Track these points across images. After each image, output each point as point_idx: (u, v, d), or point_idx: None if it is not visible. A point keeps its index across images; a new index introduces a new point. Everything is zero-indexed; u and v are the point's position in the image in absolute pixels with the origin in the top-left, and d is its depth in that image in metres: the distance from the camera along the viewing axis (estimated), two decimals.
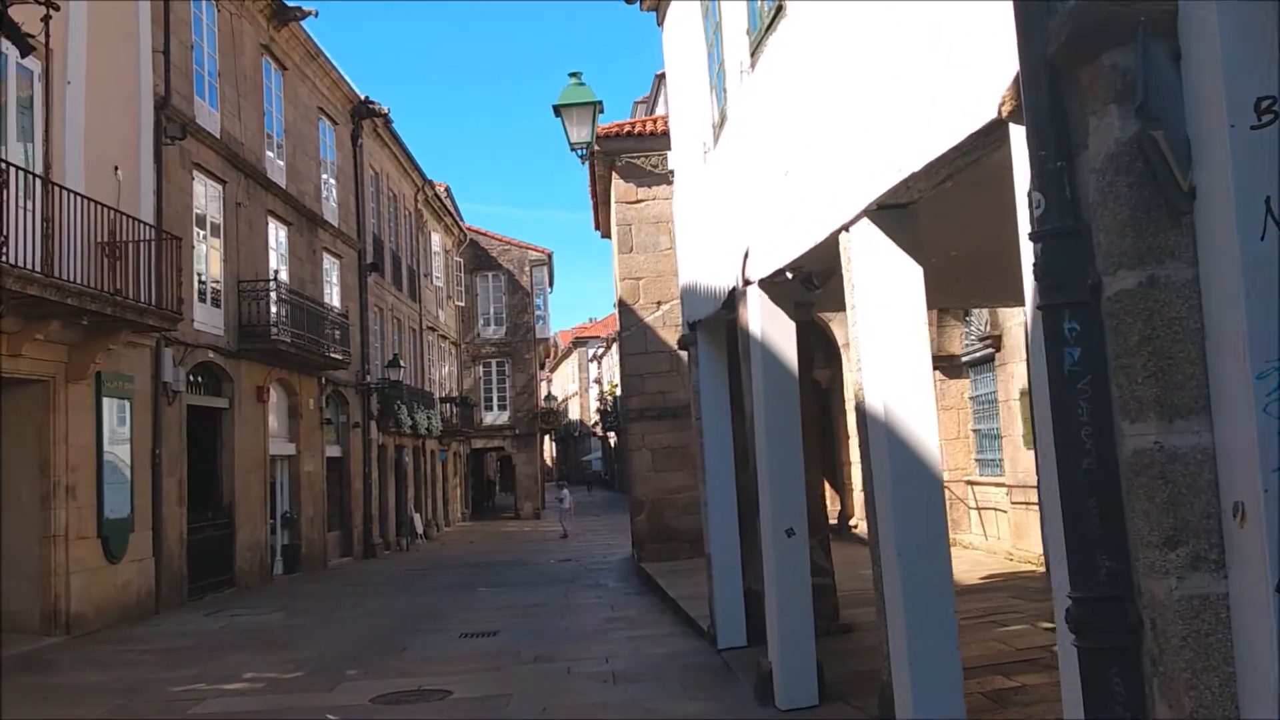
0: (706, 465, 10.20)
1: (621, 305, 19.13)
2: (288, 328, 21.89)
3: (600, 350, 73.47)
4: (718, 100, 8.80)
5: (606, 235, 25.51)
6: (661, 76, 25.13)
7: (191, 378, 18.80)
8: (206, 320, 19.21)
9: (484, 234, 46.84)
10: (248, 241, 21.12)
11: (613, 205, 19.49)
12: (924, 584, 5.16)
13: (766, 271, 7.34)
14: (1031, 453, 13.70)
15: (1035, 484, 13.40)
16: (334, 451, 26.59)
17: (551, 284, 48.85)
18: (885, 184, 4.96)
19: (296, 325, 22.34)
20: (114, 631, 14.62)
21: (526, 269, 46.14)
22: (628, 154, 18.48)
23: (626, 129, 18.74)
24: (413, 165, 36.07)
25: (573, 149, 10.93)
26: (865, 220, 5.39)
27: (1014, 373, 14.24)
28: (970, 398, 17.20)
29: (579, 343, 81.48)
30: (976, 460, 17.07)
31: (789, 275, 6.92)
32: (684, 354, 18.93)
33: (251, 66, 21.98)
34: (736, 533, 10.07)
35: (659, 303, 18.84)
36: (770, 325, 7.66)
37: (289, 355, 22.06)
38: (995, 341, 14.72)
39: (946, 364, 17.39)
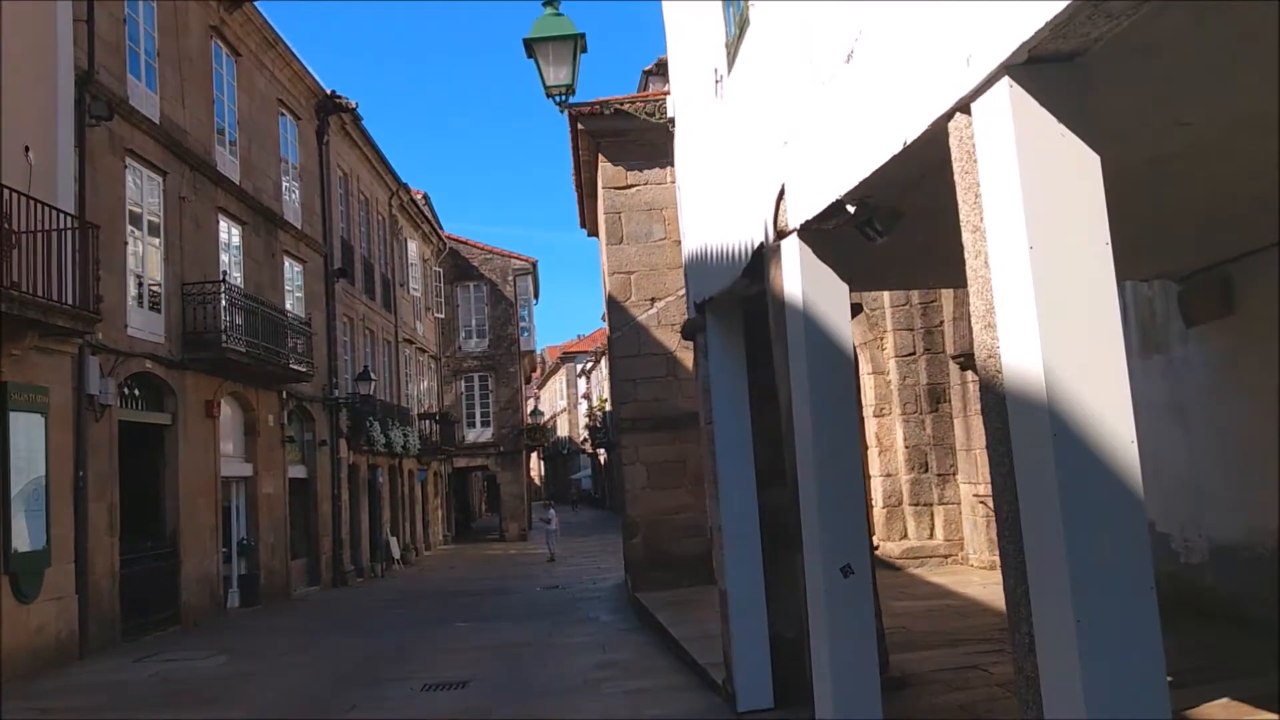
0: (720, 481, 8.14)
1: (610, 303, 17.08)
2: (241, 336, 19.79)
3: (589, 364, 71.45)
4: (735, 7, 6.79)
5: (593, 233, 23.50)
6: (649, 72, 23.16)
7: (125, 390, 16.68)
8: (144, 326, 17.09)
9: (465, 242, 44.78)
10: (194, 240, 19.03)
11: (599, 193, 17.45)
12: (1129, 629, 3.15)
13: (812, 211, 5.31)
14: None
15: None
16: (298, 472, 24.45)
17: (537, 295, 46.83)
18: (1046, 13, 2.96)
19: (252, 333, 20.24)
20: (20, 685, 12.43)
21: (510, 278, 44.06)
22: (617, 131, 16.44)
23: (614, 108, 16.72)
24: (386, 168, 34.02)
25: (549, 95, 8.88)
26: (1003, 84, 3.36)
27: None
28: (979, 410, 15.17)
29: (567, 358, 79.43)
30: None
31: (849, 209, 4.89)
32: (682, 359, 16.91)
33: (199, 50, 19.94)
34: (759, 565, 8.01)
35: (653, 299, 16.79)
36: (816, 289, 5.63)
37: (243, 366, 19.96)
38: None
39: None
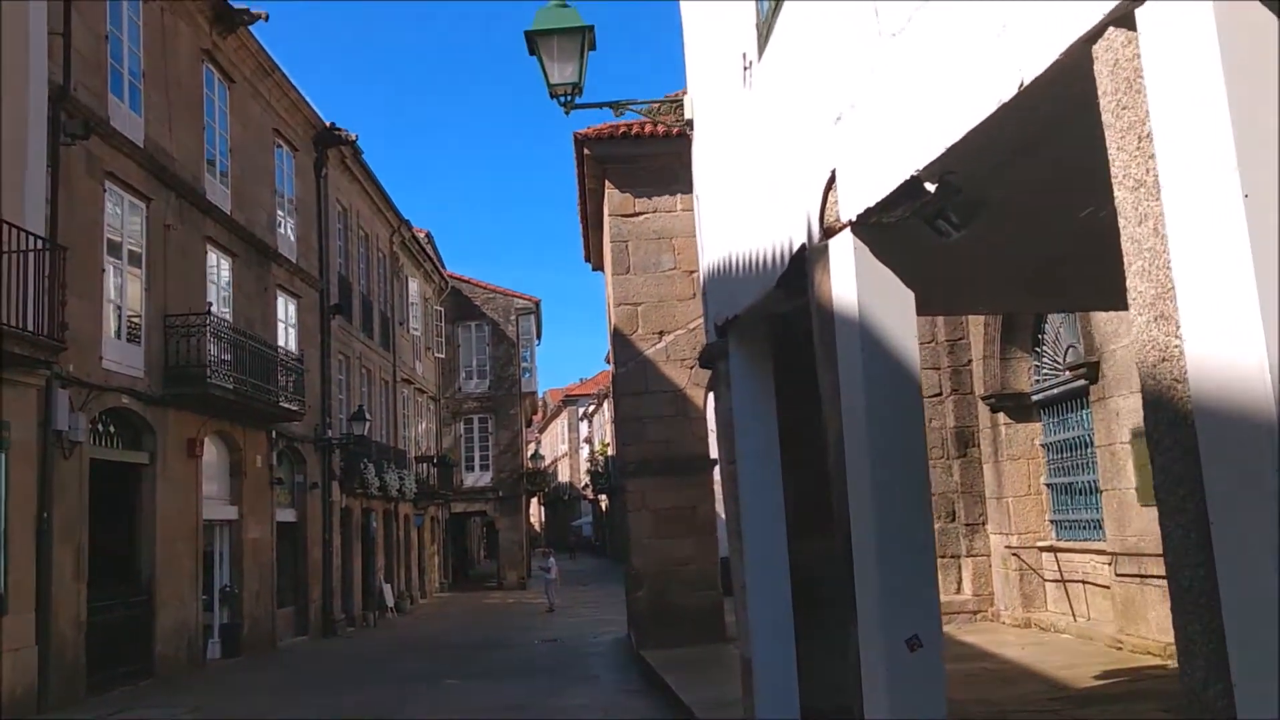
0: (746, 529, 7.08)
1: (616, 336, 16.08)
2: (228, 371, 18.80)
3: (591, 407, 70.36)
4: None
5: (598, 266, 22.56)
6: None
7: (99, 426, 15.66)
8: (121, 358, 16.10)
9: (467, 281, 43.88)
10: (180, 270, 18.07)
11: (605, 220, 16.51)
12: None
13: (873, 197, 4.32)
14: (1151, 510, 10.60)
15: (1158, 551, 10.30)
16: (287, 515, 23.33)
17: (540, 335, 45.83)
18: None
19: (240, 369, 19.25)
20: None
21: (512, 318, 43.09)
22: (626, 156, 15.54)
23: (623, 130, 15.83)
24: (387, 203, 33.17)
25: (553, 95, 7.93)
26: None
27: (1120, 409, 11.18)
28: (1044, 445, 14.13)
29: (569, 401, 78.28)
30: (1054, 521, 13.95)
31: (929, 187, 3.89)
32: (692, 397, 15.88)
33: (189, 73, 19.11)
34: (790, 628, 6.93)
35: (661, 333, 15.78)
36: (874, 296, 4.62)
37: (229, 403, 18.94)
38: (1090, 371, 11.67)
39: (1011, 404, 14.38)
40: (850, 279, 4.68)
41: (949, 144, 3.57)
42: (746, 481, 7.03)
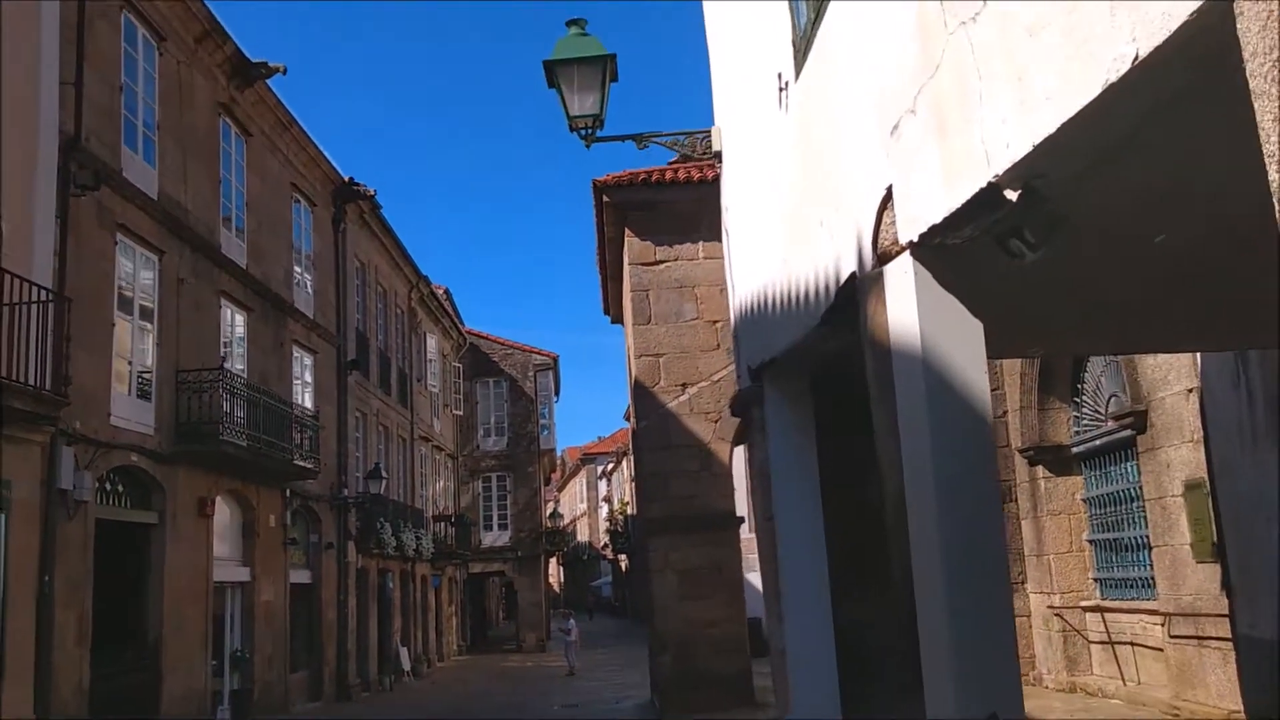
0: (785, 591, 6.51)
1: (637, 389, 15.56)
2: (242, 428, 18.37)
3: (610, 465, 69.67)
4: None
5: (617, 319, 22.14)
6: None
7: (107, 485, 15.22)
8: (131, 415, 15.68)
9: (485, 337, 43.55)
10: (193, 325, 17.72)
11: (625, 269, 16.08)
12: None
13: (938, 213, 3.83)
14: (1208, 567, 9.96)
15: (1219, 611, 9.66)
16: (301, 577, 22.77)
17: (558, 392, 45.37)
18: None
19: (254, 426, 18.83)
20: None
21: (530, 374, 42.66)
22: (646, 203, 15.13)
23: (643, 176, 15.46)
24: (406, 259, 32.97)
25: (573, 129, 7.51)
26: None
27: (1171, 460, 10.56)
28: (1085, 499, 13.49)
29: (587, 459, 77.62)
30: (1099, 580, 13.26)
31: (1010, 195, 3.39)
32: (717, 452, 15.31)
33: (205, 126, 18.92)
34: (836, 700, 6.32)
35: (684, 385, 15.26)
36: (938, 327, 4.12)
37: (242, 461, 18.51)
38: (1138, 420, 11.07)
39: (1051, 457, 13.77)
40: (910, 308, 4.17)
41: (1038, 140, 3.07)
42: (786, 538, 6.47)
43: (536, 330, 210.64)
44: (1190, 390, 9.93)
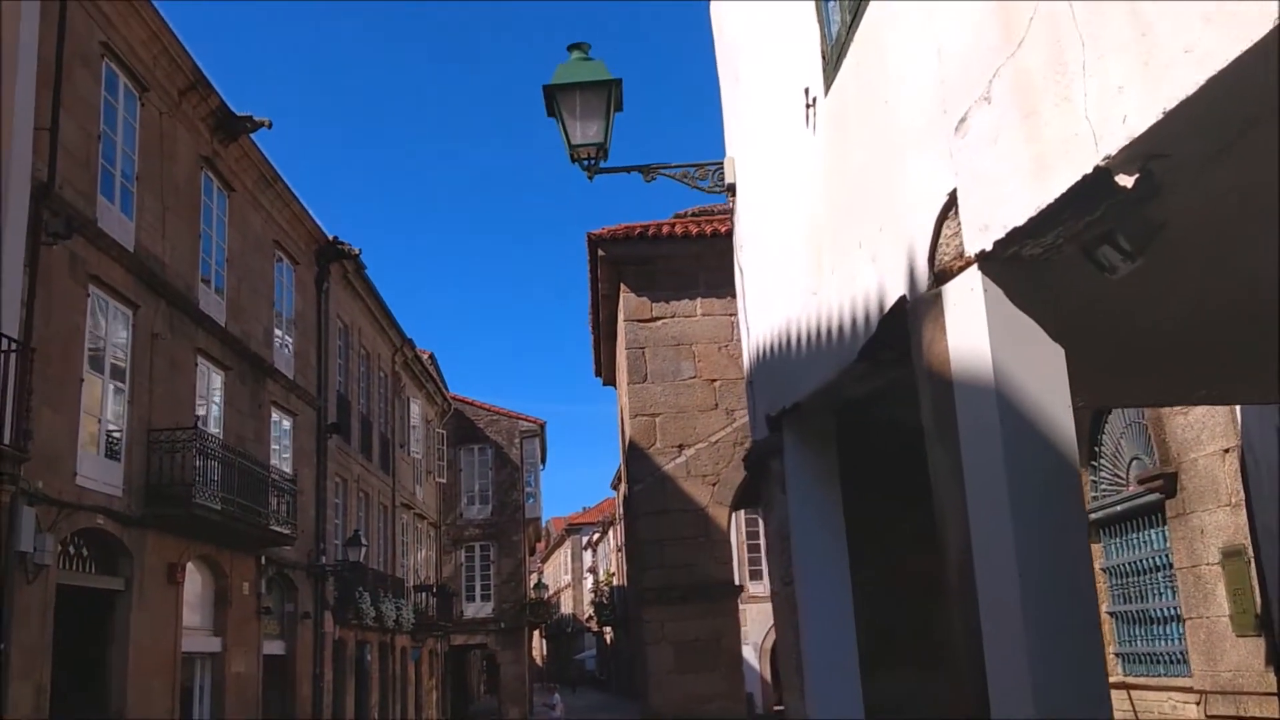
0: (808, 664, 5.82)
1: (631, 451, 14.90)
2: (216, 491, 17.58)
3: (595, 535, 68.57)
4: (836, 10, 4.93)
5: (609, 382, 21.55)
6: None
7: (70, 549, 14.40)
8: (98, 475, 14.91)
9: (470, 403, 42.84)
10: (167, 383, 17.03)
11: (620, 326, 15.50)
12: None
13: (1018, 216, 3.25)
14: (1250, 641, 9.28)
15: (1264, 689, 8.97)
16: (275, 648, 21.79)
17: (544, 459, 44.55)
18: None
19: (228, 489, 18.04)
20: None
21: (516, 441, 41.89)
22: (642, 258, 14.59)
23: (639, 230, 14.95)
24: (390, 322, 32.38)
25: (574, 159, 6.96)
26: None
27: (1205, 526, 9.93)
28: (1104, 568, 12.81)
29: (572, 529, 76.47)
30: (1120, 655, 12.54)
31: (1123, 181, 2.81)
32: (715, 517, 14.62)
33: (186, 179, 18.40)
34: None
35: (680, 446, 14.60)
36: (1013, 351, 3.53)
37: (215, 526, 17.70)
38: (1167, 483, 10.44)
39: None
40: (979, 331, 3.58)
41: (1171, 105, 2.50)
42: (809, 604, 5.80)
43: (520, 402, 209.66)
44: (1227, 450, 9.34)
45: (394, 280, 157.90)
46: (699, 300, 14.92)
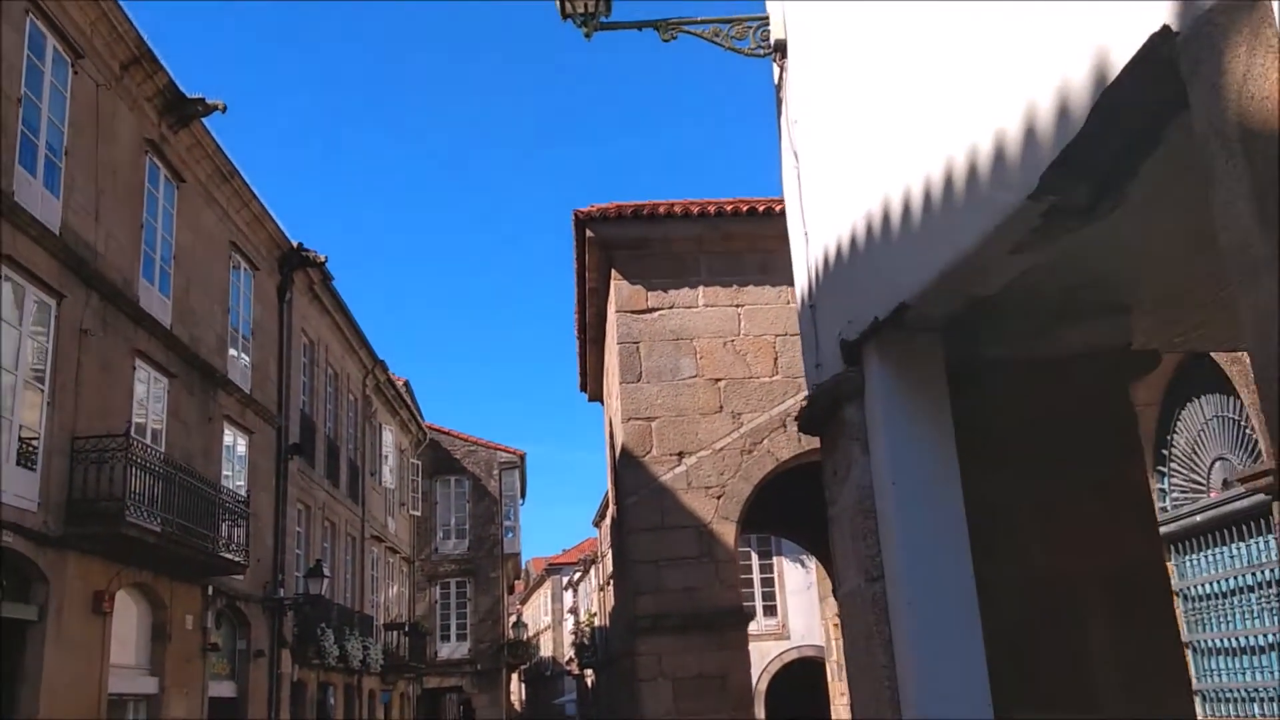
0: (914, 700, 3.93)
1: (623, 460, 12.99)
2: (154, 510, 15.57)
3: (576, 575, 66.30)
4: None
5: (595, 397, 19.68)
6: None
7: None
8: (8, 487, 12.89)
9: (447, 432, 40.81)
10: (97, 385, 15.07)
11: (611, 320, 13.66)
12: None
13: None
14: None
15: None
16: (224, 690, 19.65)
17: (524, 493, 42.50)
18: None
19: (168, 509, 16.01)
20: None
21: (495, 472, 39.85)
22: (637, 240, 12.76)
23: (633, 209, 13.15)
24: (361, 341, 30.45)
25: (565, 15, 5.17)
26: None
27: None
28: (1178, 591, 10.97)
29: (552, 569, 74.10)
30: (1201, 692, 10.67)
31: None
32: (720, 534, 12.70)
33: (128, 162, 16.54)
34: None
35: (680, 454, 12.70)
36: None
37: (152, 549, 15.62)
38: (1277, 481, 8.65)
39: None
40: None
41: None
42: (912, 612, 3.92)
43: (498, 438, 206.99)
44: None
45: (368, 301, 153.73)
46: (701, 289, 13.10)
